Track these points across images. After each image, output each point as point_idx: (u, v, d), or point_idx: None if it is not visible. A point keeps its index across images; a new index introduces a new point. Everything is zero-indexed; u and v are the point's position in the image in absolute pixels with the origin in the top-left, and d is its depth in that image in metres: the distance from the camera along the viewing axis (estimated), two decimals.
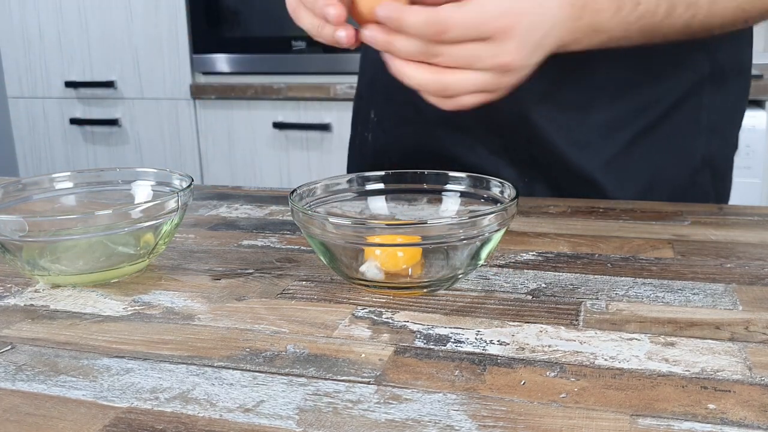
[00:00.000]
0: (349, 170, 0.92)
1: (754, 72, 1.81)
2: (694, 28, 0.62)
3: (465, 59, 0.52)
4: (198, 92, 2.15)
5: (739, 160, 1.83)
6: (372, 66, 0.86)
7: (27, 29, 2.30)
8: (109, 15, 2.21)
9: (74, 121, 2.30)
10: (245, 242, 0.62)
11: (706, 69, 0.74)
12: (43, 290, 0.52)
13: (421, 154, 0.81)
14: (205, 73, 2.18)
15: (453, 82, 0.52)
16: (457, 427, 0.34)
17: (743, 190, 1.73)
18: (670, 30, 0.61)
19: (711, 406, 0.35)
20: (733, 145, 0.82)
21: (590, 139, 0.74)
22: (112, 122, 2.26)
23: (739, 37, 0.75)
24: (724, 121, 0.78)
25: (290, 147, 2.12)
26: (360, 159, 0.90)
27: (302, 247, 0.60)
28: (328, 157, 2.08)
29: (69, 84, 2.28)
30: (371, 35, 0.52)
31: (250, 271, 0.55)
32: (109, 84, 2.24)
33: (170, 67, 2.18)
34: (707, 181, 0.78)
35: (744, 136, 1.74)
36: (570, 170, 0.75)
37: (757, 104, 1.76)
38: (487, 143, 0.78)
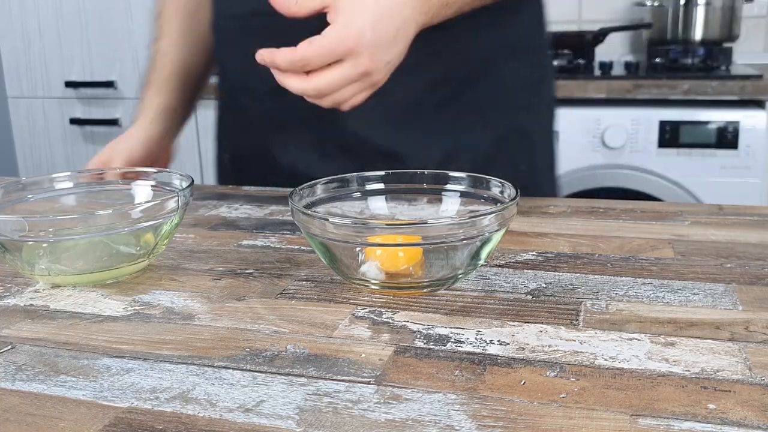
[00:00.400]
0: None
1: (754, 72, 1.82)
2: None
3: (332, 78, 0.62)
4: None
5: (739, 160, 1.83)
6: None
7: (27, 29, 2.30)
8: (109, 15, 2.21)
9: (74, 121, 2.30)
10: (245, 242, 0.62)
11: (496, 43, 0.81)
12: (43, 290, 0.52)
13: (266, 165, 0.87)
14: None
15: (324, 86, 0.62)
16: (457, 427, 0.34)
17: (743, 190, 1.73)
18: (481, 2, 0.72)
19: (711, 406, 0.35)
20: (545, 117, 0.91)
21: (391, 117, 0.80)
22: (112, 122, 2.26)
23: (528, 16, 0.85)
24: (526, 94, 0.86)
25: None
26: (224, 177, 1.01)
27: (302, 247, 0.60)
28: None
29: (69, 84, 2.27)
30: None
31: (250, 271, 0.55)
32: (109, 84, 2.24)
33: None
34: (516, 150, 0.85)
35: (744, 136, 1.75)
36: (378, 150, 0.80)
37: (757, 104, 1.76)
38: (299, 141, 0.83)
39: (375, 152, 0.81)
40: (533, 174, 0.85)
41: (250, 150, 0.91)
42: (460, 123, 0.81)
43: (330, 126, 0.80)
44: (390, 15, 0.63)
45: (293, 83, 0.63)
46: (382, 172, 0.59)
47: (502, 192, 0.54)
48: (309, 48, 0.61)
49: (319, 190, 0.56)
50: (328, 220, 0.48)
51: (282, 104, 0.77)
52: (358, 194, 0.58)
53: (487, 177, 0.55)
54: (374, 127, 0.80)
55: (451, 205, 0.57)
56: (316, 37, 0.61)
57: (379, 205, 0.58)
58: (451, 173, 0.57)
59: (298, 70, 0.62)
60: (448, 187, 0.57)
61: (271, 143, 0.86)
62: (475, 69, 0.81)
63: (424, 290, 0.49)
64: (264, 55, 0.63)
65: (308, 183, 0.56)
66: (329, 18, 0.63)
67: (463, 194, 0.57)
